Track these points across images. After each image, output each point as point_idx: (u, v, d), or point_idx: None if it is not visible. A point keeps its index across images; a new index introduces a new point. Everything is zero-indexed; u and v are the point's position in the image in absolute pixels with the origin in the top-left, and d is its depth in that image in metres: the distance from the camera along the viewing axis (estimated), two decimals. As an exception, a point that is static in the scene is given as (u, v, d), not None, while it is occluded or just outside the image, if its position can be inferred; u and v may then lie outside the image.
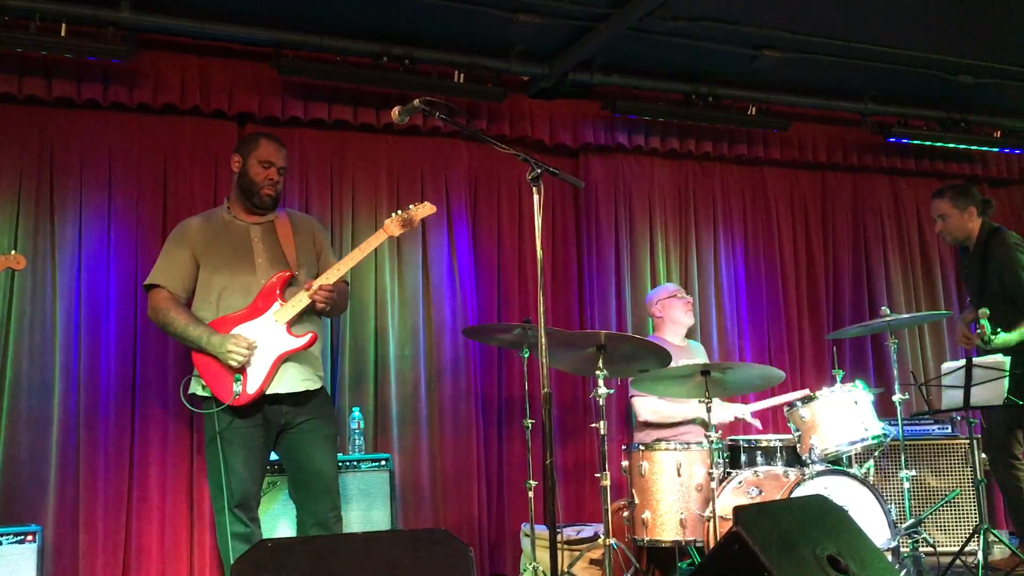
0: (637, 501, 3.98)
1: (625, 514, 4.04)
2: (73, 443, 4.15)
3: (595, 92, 5.21)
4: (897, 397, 4.21)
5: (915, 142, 5.86)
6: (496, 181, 5.16)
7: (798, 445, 3.97)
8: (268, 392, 3.42)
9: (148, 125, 4.45)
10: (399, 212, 3.67)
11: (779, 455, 4.01)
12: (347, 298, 3.95)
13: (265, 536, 3.58)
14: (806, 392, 4.28)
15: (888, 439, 3.94)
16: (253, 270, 3.54)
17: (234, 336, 3.37)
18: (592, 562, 4.15)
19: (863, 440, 3.89)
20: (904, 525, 4.01)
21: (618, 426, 5.07)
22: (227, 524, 3.38)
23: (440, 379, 4.82)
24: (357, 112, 4.72)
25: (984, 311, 4.06)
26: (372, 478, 4.18)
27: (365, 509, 4.13)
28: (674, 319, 4.79)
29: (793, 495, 3.60)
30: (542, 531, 4.04)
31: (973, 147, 6.05)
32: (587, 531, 4.32)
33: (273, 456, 3.63)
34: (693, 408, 4.47)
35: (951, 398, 4.22)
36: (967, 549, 4.18)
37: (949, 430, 4.99)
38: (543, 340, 2.75)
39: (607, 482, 3.61)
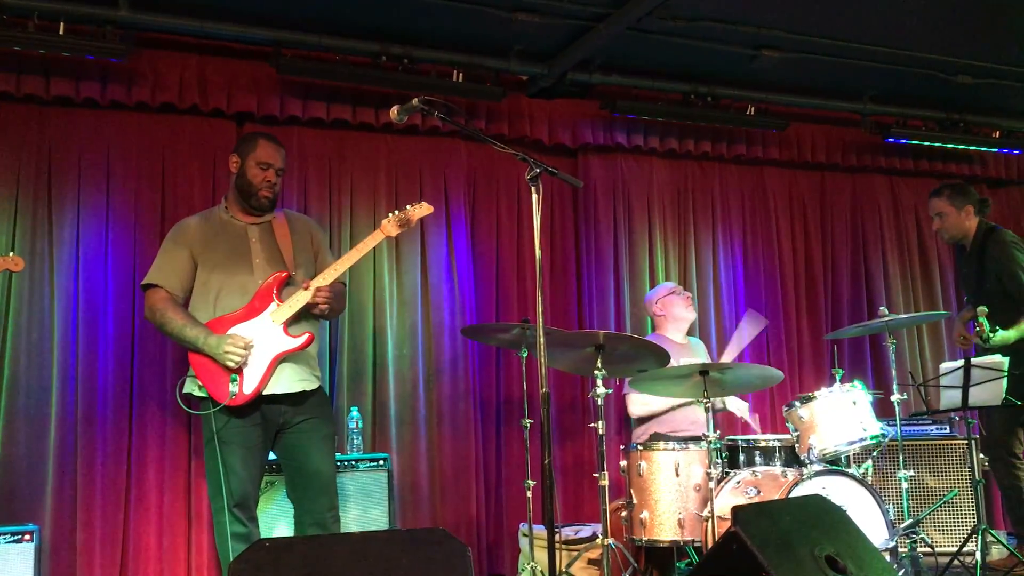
0: (635, 501, 3.97)
1: (623, 514, 4.04)
2: (71, 442, 4.14)
3: (594, 92, 5.21)
4: (895, 397, 4.21)
5: (914, 142, 5.86)
6: (495, 181, 5.16)
7: (796, 445, 3.97)
8: (265, 392, 3.42)
9: (146, 124, 4.45)
10: (396, 212, 3.67)
11: (777, 455, 4.01)
12: (345, 299, 3.94)
13: (263, 536, 3.58)
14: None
15: (886, 439, 3.94)
16: (251, 270, 3.53)
17: (231, 336, 3.36)
18: (590, 562, 4.15)
19: (861, 440, 3.88)
20: (902, 525, 4.01)
21: (617, 426, 5.07)
22: (226, 524, 3.37)
23: (438, 379, 4.82)
24: (356, 111, 4.72)
25: (982, 309, 4.06)
26: (370, 478, 4.18)
27: (363, 509, 4.13)
28: (675, 316, 4.79)
29: (791, 495, 3.60)
30: (540, 531, 4.03)
31: (972, 147, 6.05)
32: (585, 531, 4.32)
33: (271, 456, 3.62)
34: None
35: (949, 398, 4.22)
36: (965, 549, 4.18)
37: (947, 430, 4.99)
38: (542, 340, 2.74)
39: (605, 482, 3.61)
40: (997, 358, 4.08)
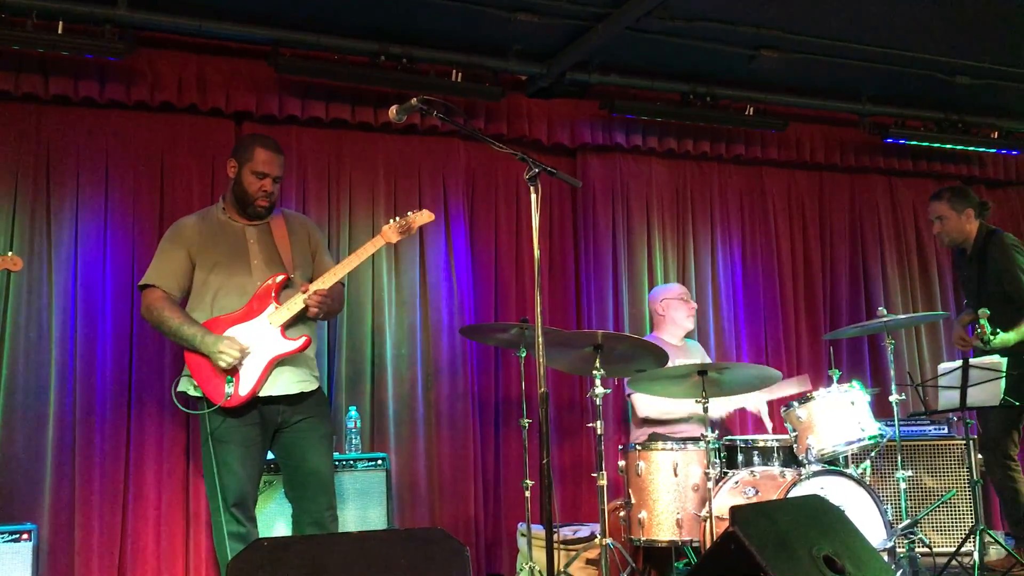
0: (634, 501, 3.98)
1: (622, 514, 4.04)
2: (69, 442, 4.14)
3: (593, 92, 5.20)
4: (894, 397, 4.21)
5: (912, 143, 5.86)
6: (494, 180, 5.16)
7: (795, 445, 3.97)
8: (263, 395, 3.41)
9: (145, 123, 4.45)
10: (397, 219, 3.65)
11: (776, 455, 4.01)
12: (343, 299, 3.94)
13: (261, 535, 3.58)
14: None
15: (884, 439, 3.94)
16: (249, 271, 3.53)
17: (227, 338, 3.36)
18: (588, 562, 4.15)
19: (859, 440, 3.89)
20: (900, 525, 4.01)
21: (615, 426, 5.08)
22: (223, 524, 3.37)
23: (437, 378, 4.82)
24: (355, 111, 4.72)
25: (984, 311, 4.06)
26: (369, 477, 4.18)
27: (362, 508, 4.13)
28: (674, 320, 4.79)
29: (789, 495, 3.60)
30: (539, 531, 4.03)
31: (970, 148, 6.05)
32: (584, 531, 4.32)
33: (269, 455, 3.62)
34: (694, 405, 4.46)
35: (947, 399, 4.22)
36: (963, 550, 4.18)
37: (945, 431, 4.99)
38: (540, 340, 2.74)
39: (604, 482, 3.61)
40: (995, 359, 4.09)
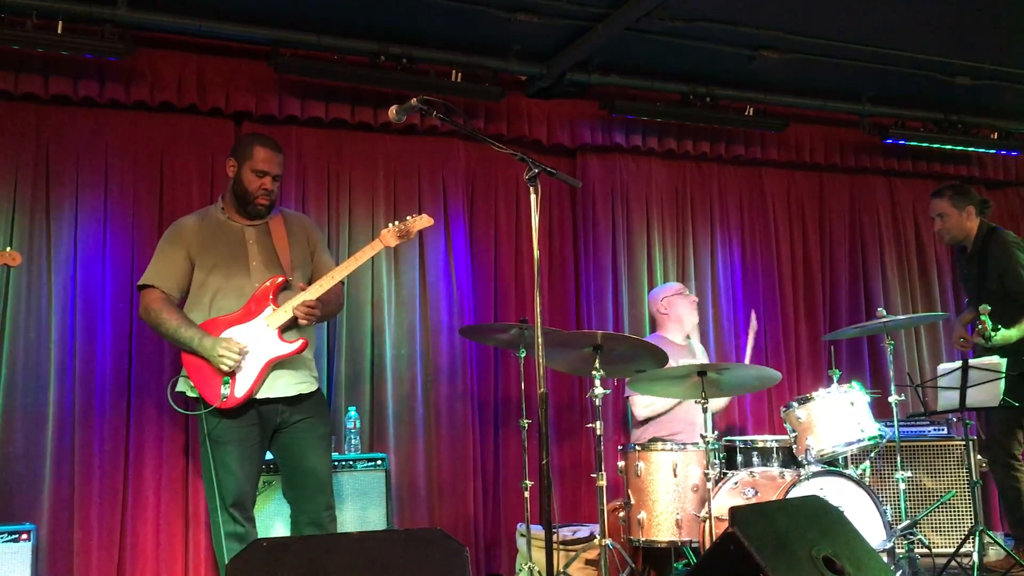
0: (633, 501, 3.97)
1: (621, 514, 4.04)
2: (68, 441, 4.14)
3: (593, 92, 5.20)
4: (893, 398, 4.21)
5: (912, 143, 5.86)
6: (493, 180, 5.16)
7: (794, 446, 3.97)
8: (261, 397, 3.41)
9: (145, 123, 4.44)
10: (396, 223, 3.65)
11: (775, 456, 4.01)
12: (343, 300, 3.94)
13: (260, 535, 3.58)
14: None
15: (884, 440, 3.95)
16: (247, 273, 3.52)
17: (225, 340, 3.36)
18: (588, 562, 4.15)
19: (859, 441, 3.89)
20: (900, 526, 4.01)
21: (615, 426, 5.07)
22: (221, 524, 3.37)
23: (437, 379, 4.82)
24: (354, 111, 4.72)
25: (985, 307, 4.07)
26: (368, 478, 4.18)
27: (361, 509, 4.13)
28: (678, 317, 4.79)
29: (789, 496, 3.60)
30: (538, 531, 4.03)
31: (970, 149, 6.06)
32: (583, 531, 4.32)
33: (268, 456, 3.62)
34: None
35: (947, 399, 4.22)
36: (963, 550, 4.18)
37: (945, 431, 4.99)
38: (540, 340, 2.74)
39: (603, 482, 3.61)
40: (995, 359, 4.09)
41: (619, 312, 5.29)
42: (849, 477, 3.77)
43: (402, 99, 3.12)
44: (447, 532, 2.28)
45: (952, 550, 4.30)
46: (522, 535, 4.26)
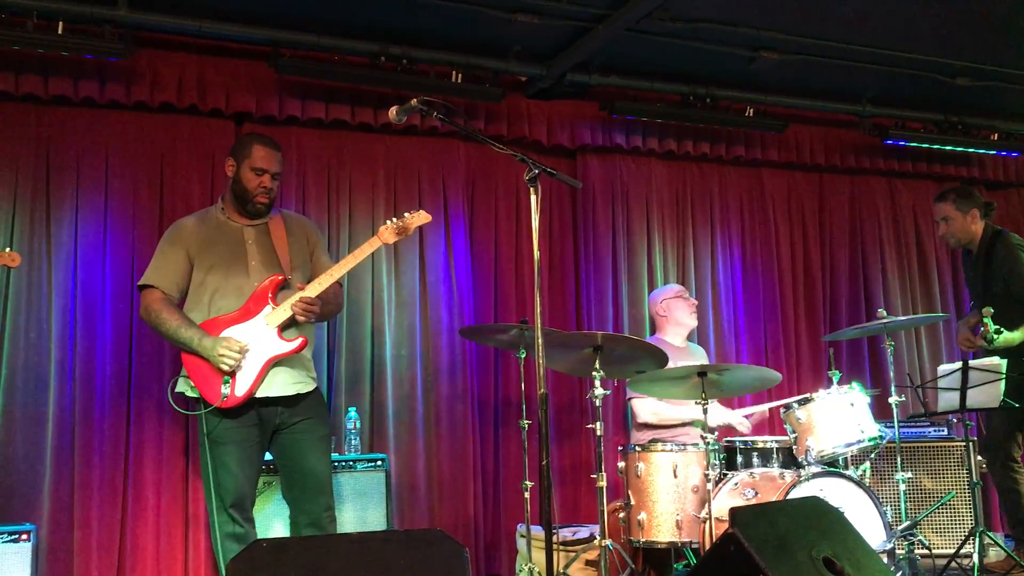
0: (633, 502, 3.97)
1: (621, 515, 4.04)
2: (68, 442, 4.14)
3: (593, 93, 5.20)
4: (893, 399, 4.21)
5: (912, 144, 5.86)
6: (494, 181, 5.16)
7: (794, 447, 3.97)
8: (259, 396, 3.41)
9: (145, 124, 4.45)
10: (394, 220, 3.65)
11: (775, 457, 4.00)
12: (342, 300, 3.94)
13: (260, 536, 3.57)
14: (801, 398, 4.27)
15: (884, 441, 3.94)
16: (246, 272, 3.52)
17: (225, 339, 3.36)
18: (588, 563, 4.15)
19: (859, 442, 3.88)
20: (900, 527, 4.01)
21: (615, 427, 5.07)
22: (220, 525, 3.37)
23: (437, 379, 4.82)
24: (355, 112, 4.72)
25: (988, 309, 4.07)
26: (368, 478, 4.18)
27: (361, 509, 4.13)
28: (677, 319, 4.79)
29: (789, 497, 3.60)
30: (538, 532, 4.03)
31: (970, 150, 6.05)
32: (583, 532, 4.32)
33: (268, 456, 3.62)
34: (692, 411, 4.47)
35: (947, 400, 4.22)
36: (963, 551, 4.18)
37: (945, 432, 4.99)
38: (540, 341, 2.74)
39: (603, 483, 3.61)
40: (995, 360, 4.08)
41: (619, 313, 5.28)
42: (849, 478, 3.77)
43: (402, 100, 3.12)
44: (447, 533, 2.28)
45: (952, 551, 4.31)
46: (522, 536, 4.25)
